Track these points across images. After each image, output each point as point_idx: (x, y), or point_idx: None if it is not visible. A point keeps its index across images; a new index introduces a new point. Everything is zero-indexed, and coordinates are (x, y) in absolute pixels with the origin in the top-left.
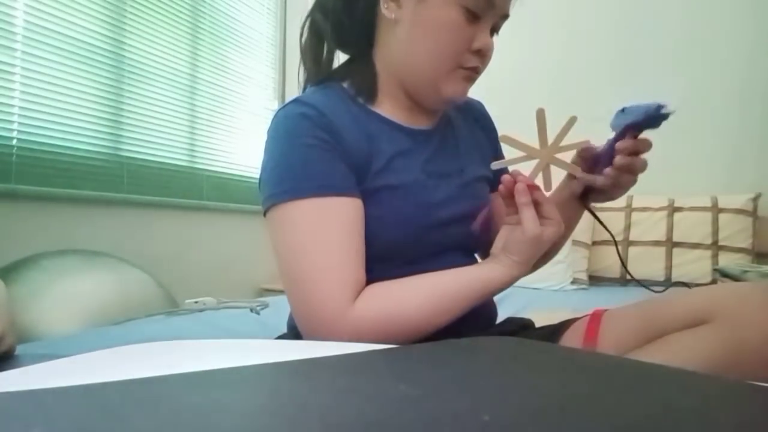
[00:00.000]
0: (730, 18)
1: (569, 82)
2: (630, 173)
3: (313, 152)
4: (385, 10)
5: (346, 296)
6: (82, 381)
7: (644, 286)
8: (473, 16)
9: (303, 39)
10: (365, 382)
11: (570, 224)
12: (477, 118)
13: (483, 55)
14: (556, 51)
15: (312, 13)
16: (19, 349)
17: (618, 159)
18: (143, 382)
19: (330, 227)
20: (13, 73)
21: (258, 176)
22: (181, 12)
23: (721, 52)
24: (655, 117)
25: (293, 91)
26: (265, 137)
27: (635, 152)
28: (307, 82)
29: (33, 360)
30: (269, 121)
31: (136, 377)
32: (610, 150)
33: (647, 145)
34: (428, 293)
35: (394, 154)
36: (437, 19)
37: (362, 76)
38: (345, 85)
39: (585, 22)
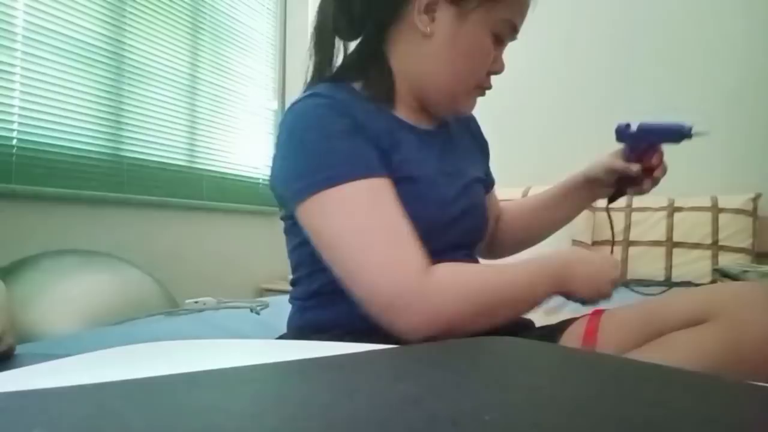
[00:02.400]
0: (730, 18)
1: (568, 86)
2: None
3: (347, 137)
4: (419, 23)
5: (424, 263)
6: (82, 381)
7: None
8: (498, 41)
9: (313, 33)
10: (365, 382)
11: (575, 214)
12: (469, 126)
13: (497, 74)
14: (554, 56)
15: (326, 7)
16: (19, 349)
17: (650, 184)
18: (143, 382)
19: (386, 204)
20: (13, 73)
21: (271, 174)
22: (181, 12)
23: (721, 51)
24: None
25: (293, 91)
26: (265, 135)
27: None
28: (315, 78)
29: (33, 360)
30: (269, 121)
31: (137, 377)
32: (637, 161)
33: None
34: (510, 276)
35: (411, 148)
36: (472, 43)
37: (380, 81)
38: (356, 86)
39: (582, 27)
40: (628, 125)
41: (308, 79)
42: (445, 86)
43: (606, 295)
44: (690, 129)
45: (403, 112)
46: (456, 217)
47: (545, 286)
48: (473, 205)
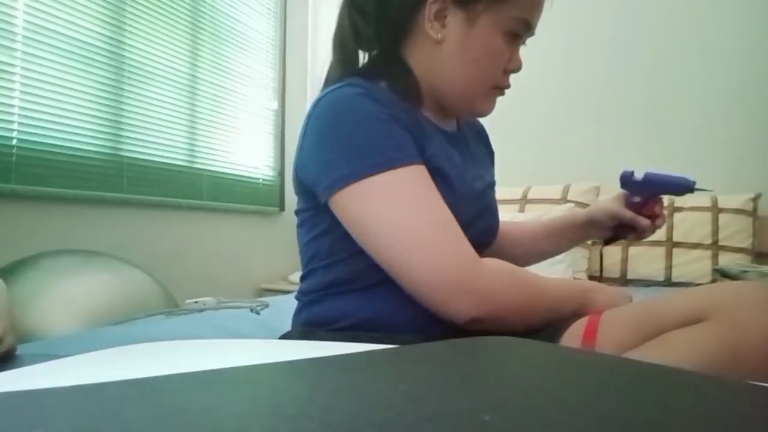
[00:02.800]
0: (729, 17)
1: (568, 86)
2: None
3: (387, 125)
4: (430, 29)
5: (473, 250)
6: (82, 381)
7: None
8: (513, 38)
9: (333, 40)
10: (365, 382)
11: (565, 249)
12: (479, 132)
13: (515, 73)
14: (553, 56)
15: (343, 16)
16: (19, 349)
17: (651, 231)
18: (143, 382)
19: (430, 191)
20: (13, 73)
21: (296, 163)
22: (181, 12)
23: (721, 51)
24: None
25: (293, 91)
26: (265, 135)
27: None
28: (339, 75)
29: (33, 360)
30: (269, 121)
31: (137, 377)
32: (640, 210)
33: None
34: (549, 283)
35: (440, 145)
36: (484, 45)
37: (405, 81)
38: (382, 84)
39: (582, 27)
40: (632, 173)
41: (327, 78)
42: (460, 90)
43: None
44: (693, 183)
45: (427, 112)
46: (474, 217)
47: (571, 305)
48: (488, 207)
